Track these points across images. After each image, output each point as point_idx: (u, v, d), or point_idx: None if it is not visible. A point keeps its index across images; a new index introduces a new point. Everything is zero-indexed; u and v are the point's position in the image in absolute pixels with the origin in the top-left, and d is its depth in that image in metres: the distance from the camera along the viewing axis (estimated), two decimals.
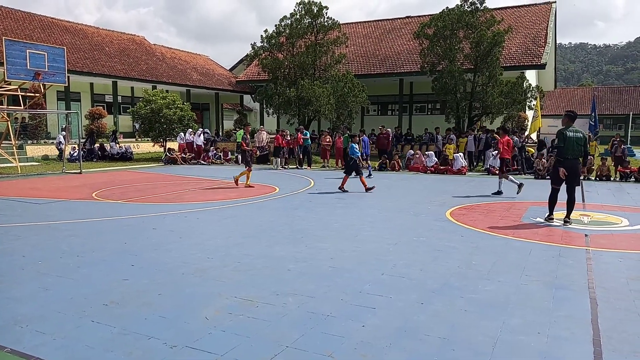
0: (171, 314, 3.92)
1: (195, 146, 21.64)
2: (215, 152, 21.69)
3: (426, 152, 18.43)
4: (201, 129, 23.45)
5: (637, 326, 3.71)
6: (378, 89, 28.10)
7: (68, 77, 17.66)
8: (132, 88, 30.56)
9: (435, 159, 17.87)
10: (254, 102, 30.06)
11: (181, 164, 20.34)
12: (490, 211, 9.05)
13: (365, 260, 5.55)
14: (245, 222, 7.94)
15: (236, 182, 12.60)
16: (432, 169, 17.35)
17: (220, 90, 33.06)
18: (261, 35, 24.88)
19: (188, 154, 21.21)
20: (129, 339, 3.46)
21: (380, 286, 4.64)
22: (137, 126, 23.40)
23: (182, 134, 21.90)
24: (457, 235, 6.89)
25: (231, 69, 40.81)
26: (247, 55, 30.55)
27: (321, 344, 3.38)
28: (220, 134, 32.38)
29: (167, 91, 24.12)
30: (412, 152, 18.93)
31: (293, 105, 22.45)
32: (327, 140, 19.92)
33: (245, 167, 12.65)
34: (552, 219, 7.86)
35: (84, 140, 22.13)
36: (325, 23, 24.35)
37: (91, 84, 28.39)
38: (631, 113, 40.91)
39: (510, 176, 11.46)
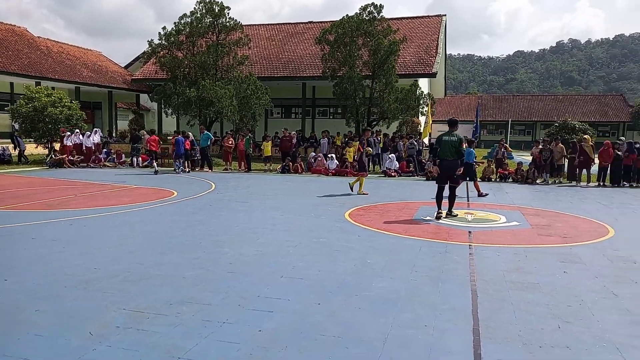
0: (49, 332, 3.59)
1: (84, 148, 20.10)
2: (108, 154, 20.36)
3: (328, 155, 18.86)
4: (96, 129, 21.91)
5: (511, 315, 4.08)
6: (281, 92, 28.25)
7: None
8: (11, 84, 27.64)
9: (336, 161, 18.34)
10: (152, 101, 28.67)
11: (68, 167, 18.80)
12: (385, 211, 9.47)
13: (265, 264, 5.53)
14: (139, 229, 7.53)
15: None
16: (334, 171, 17.79)
17: (114, 89, 31.07)
18: (159, 33, 23.85)
19: (77, 156, 19.66)
20: None
21: (279, 289, 4.65)
22: (16, 126, 21.20)
23: (70, 134, 20.25)
24: (355, 236, 7.12)
25: (127, 67, 38.57)
26: (144, 52, 29.02)
27: (215, 353, 3.29)
28: (115, 134, 30.46)
29: (53, 88, 22.16)
30: (314, 154, 19.27)
31: (194, 106, 21.78)
32: (230, 142, 19.60)
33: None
34: (441, 214, 8.60)
35: None
36: (227, 23, 23.95)
37: None
38: (510, 119, 45.20)
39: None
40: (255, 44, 29.42)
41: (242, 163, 19.17)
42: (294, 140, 20.26)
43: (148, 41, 24.17)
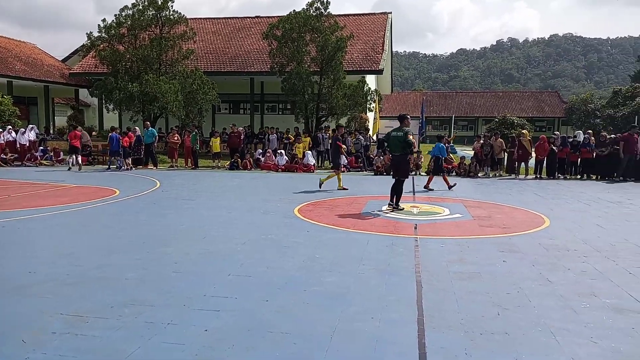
0: None
1: (18, 145, 18.97)
2: (45, 151, 19.32)
3: (278, 151, 18.76)
4: (31, 125, 20.73)
5: (454, 304, 4.21)
6: (229, 87, 27.78)
7: None
8: None
9: (286, 157, 18.29)
10: (92, 96, 27.40)
11: (1, 166, 17.69)
12: (334, 206, 9.54)
13: (212, 262, 5.42)
14: (78, 230, 7.20)
15: None
16: (283, 167, 17.74)
17: (51, 83, 29.47)
18: (98, 25, 22.80)
19: (10, 154, 18.53)
20: None
21: (226, 287, 4.57)
22: None
23: (2, 131, 19.06)
24: (304, 231, 7.13)
25: (64, 60, 36.64)
26: (83, 45, 27.65)
27: (159, 355, 3.19)
28: (52, 131, 28.92)
29: None
30: (260, 151, 19.12)
31: (136, 101, 21.01)
32: (176, 138, 19.09)
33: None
34: (396, 207, 9.01)
35: None
36: (171, 16, 23.24)
37: None
38: (453, 115, 46.74)
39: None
40: (201, 38, 28.76)
41: (189, 160, 18.74)
42: (243, 136, 20.01)
43: (87, 34, 23.08)
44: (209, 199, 10.49)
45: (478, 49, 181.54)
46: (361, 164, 18.36)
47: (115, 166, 17.49)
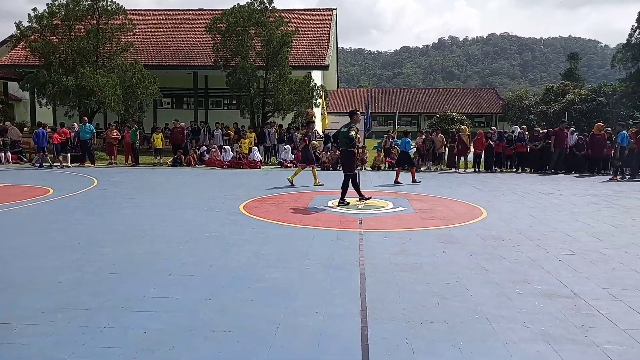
0: None
1: None
2: None
3: (223, 147, 18.44)
4: None
5: (396, 295, 4.30)
6: (171, 81, 27.00)
7: None
8: None
9: (232, 153, 18.02)
10: (22, 90, 25.80)
11: None
12: (280, 202, 9.50)
13: (152, 263, 5.25)
14: (7, 232, 6.76)
15: None
16: (229, 163, 17.47)
17: None
18: (29, 14, 21.49)
19: None
20: None
21: (167, 288, 4.44)
22: None
23: None
24: (249, 228, 7.05)
25: None
26: (11, 36, 25.94)
27: None
28: None
29: None
30: (205, 148, 18.74)
31: (72, 96, 19.98)
32: (114, 134, 18.33)
33: None
34: (342, 202, 9.08)
35: None
36: (108, 7, 22.29)
37: None
38: (397, 111, 47.74)
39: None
40: (142, 30, 27.77)
41: (129, 156, 18.06)
42: (186, 132, 19.52)
43: (16, 23, 21.68)
44: (149, 196, 10.16)
45: (421, 46, 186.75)
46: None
47: (38, 164, 16.57)
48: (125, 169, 16.36)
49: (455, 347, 3.29)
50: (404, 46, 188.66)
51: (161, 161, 18.03)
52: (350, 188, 9.19)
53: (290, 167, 17.34)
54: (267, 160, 19.63)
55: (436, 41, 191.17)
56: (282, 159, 17.90)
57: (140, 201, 9.47)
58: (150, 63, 24.98)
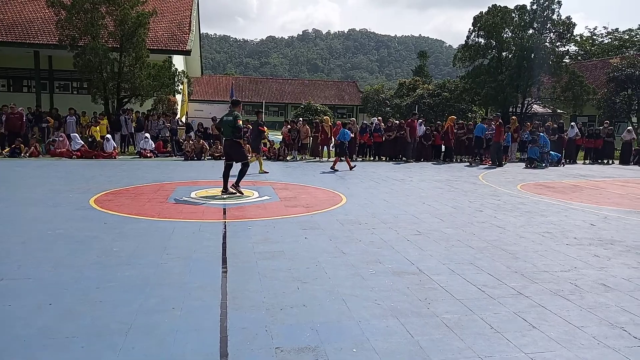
0: None
1: None
2: None
3: (71, 134, 16.69)
4: None
5: (257, 283, 4.30)
6: (7, 61, 23.69)
7: None
8: None
9: (82, 141, 16.42)
10: None
11: None
12: (138, 194, 8.91)
13: None
14: None
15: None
16: (79, 153, 15.89)
17: None
18: None
19: None
20: None
21: None
22: None
23: None
24: (100, 223, 6.49)
25: None
26: None
27: None
28: None
29: None
30: (62, 136, 16.81)
31: None
32: None
33: None
34: (234, 193, 8.98)
35: None
36: None
37: None
38: (264, 101, 47.85)
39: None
40: None
41: None
42: (25, 118, 17.27)
43: None
44: None
45: (286, 37, 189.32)
46: (170, 149, 17.54)
47: None
48: None
49: (312, 329, 3.39)
50: (270, 36, 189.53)
51: None
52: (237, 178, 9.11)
53: (150, 156, 16.37)
54: (125, 150, 18.29)
55: (301, 33, 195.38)
56: (141, 148, 16.81)
57: None
58: None
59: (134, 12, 18.83)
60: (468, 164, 17.23)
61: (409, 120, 18.12)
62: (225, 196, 8.83)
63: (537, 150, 16.98)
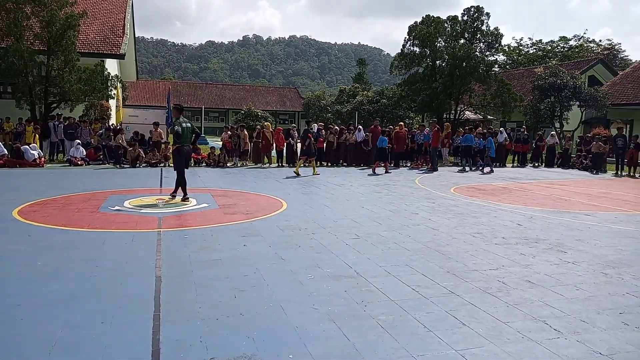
0: None
1: None
2: None
3: None
4: None
5: (193, 294, 4.19)
6: None
7: None
8: None
9: (4, 150, 15.35)
10: None
11: None
12: (67, 204, 8.46)
13: None
14: None
15: None
16: (1, 162, 14.85)
17: None
18: None
19: None
20: None
21: None
22: None
23: None
24: (24, 236, 6.09)
25: None
26: None
27: None
28: None
29: None
30: None
31: None
32: None
33: None
34: (188, 199, 8.96)
35: None
36: None
37: None
38: (203, 107, 46.91)
39: None
40: None
41: None
42: None
43: None
44: None
45: (226, 42, 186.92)
46: (101, 156, 16.77)
47: None
48: None
49: (249, 337, 3.35)
50: (210, 40, 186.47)
51: None
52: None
53: (81, 164, 15.59)
54: (54, 157, 17.32)
55: (241, 38, 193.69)
56: (71, 156, 15.96)
57: None
58: None
59: (62, 13, 17.92)
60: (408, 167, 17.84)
61: (372, 127, 18.26)
62: (161, 204, 8.61)
63: (493, 151, 18.27)
